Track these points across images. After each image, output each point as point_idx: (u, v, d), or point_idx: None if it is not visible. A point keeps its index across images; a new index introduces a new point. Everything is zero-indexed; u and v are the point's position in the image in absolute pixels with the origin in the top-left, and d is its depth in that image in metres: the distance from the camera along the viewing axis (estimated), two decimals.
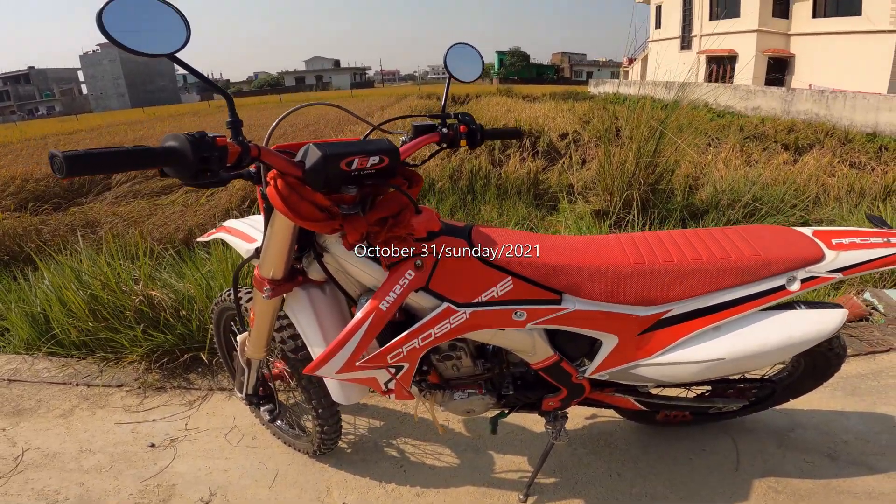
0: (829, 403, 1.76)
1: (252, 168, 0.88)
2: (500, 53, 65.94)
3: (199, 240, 1.61)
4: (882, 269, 1.05)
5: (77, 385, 2.01)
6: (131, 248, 2.56)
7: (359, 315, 1.00)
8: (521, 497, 1.38)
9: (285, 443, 1.62)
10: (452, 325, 1.02)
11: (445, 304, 1.00)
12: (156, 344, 2.02)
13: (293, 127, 11.38)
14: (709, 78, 22.20)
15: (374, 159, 0.86)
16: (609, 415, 1.71)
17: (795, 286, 1.03)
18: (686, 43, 24.06)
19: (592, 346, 1.13)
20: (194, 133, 0.74)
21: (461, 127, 1.16)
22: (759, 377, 1.43)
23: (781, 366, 1.49)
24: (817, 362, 1.33)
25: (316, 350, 1.10)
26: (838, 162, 6.07)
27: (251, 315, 1.20)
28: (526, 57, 65.11)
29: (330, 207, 0.88)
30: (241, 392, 1.46)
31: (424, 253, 0.98)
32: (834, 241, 1.07)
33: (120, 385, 1.99)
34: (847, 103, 12.02)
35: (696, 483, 1.43)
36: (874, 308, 2.57)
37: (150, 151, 0.71)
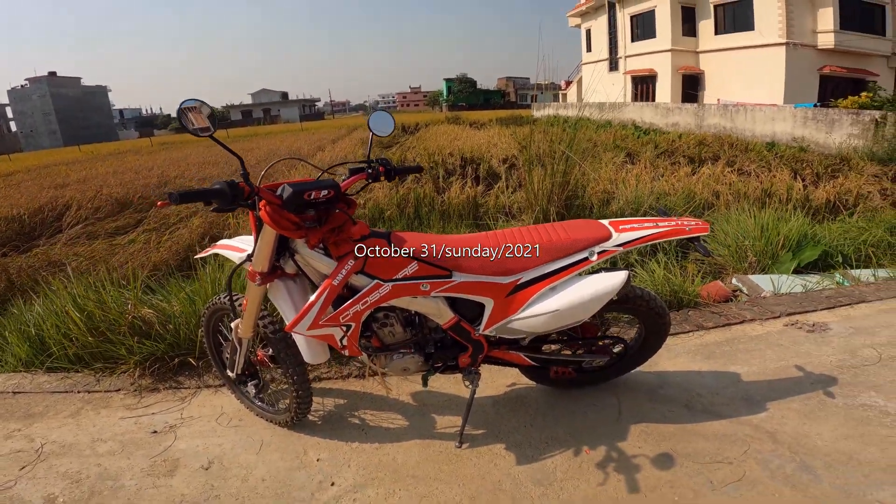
0: (690, 366, 2.28)
1: (250, 201, 1.44)
2: (447, 81, 68.14)
3: (197, 256, 2.09)
4: (650, 242, 1.65)
5: (78, 392, 2.34)
6: (115, 277, 2.94)
7: (319, 288, 1.53)
8: (457, 444, 1.82)
9: (267, 419, 2.03)
10: (381, 294, 1.55)
11: (375, 281, 1.54)
12: (149, 352, 2.40)
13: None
14: (635, 97, 24.02)
15: (324, 192, 1.44)
16: (524, 383, 2.19)
17: (594, 257, 1.60)
18: (613, 64, 25.77)
19: (480, 310, 1.68)
20: (229, 181, 1.35)
21: (380, 167, 1.74)
22: (614, 335, 1.99)
23: (634, 331, 2.05)
24: (649, 321, 1.87)
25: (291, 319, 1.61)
26: (729, 171, 7.09)
27: (244, 303, 1.70)
28: (473, 83, 67.54)
29: (298, 222, 1.45)
30: (233, 371, 1.92)
31: (360, 249, 1.54)
32: (620, 227, 1.65)
33: (118, 389, 2.34)
34: (748, 116, 13.55)
35: (589, 429, 1.89)
36: (739, 290, 3.26)
37: (211, 190, 1.32)
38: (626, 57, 24.29)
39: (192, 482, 1.75)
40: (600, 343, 1.93)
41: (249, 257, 1.61)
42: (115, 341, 2.43)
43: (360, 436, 1.95)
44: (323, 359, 1.74)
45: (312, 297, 1.54)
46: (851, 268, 3.60)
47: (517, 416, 2.01)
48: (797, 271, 3.53)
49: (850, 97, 12.54)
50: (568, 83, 32.18)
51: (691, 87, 21.60)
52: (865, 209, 5.50)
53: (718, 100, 17.96)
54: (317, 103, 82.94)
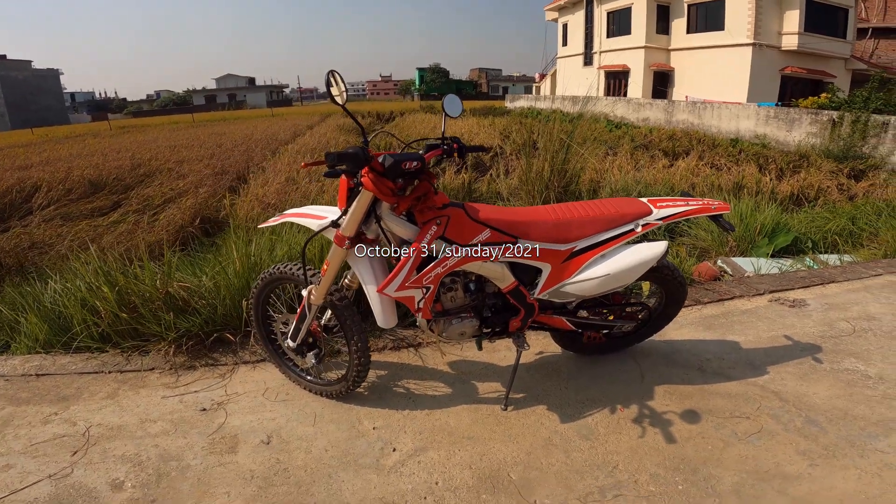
0: (694, 335, 2.54)
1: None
2: (420, 70, 67.58)
3: (261, 226, 2.15)
4: (685, 218, 1.90)
5: (109, 373, 2.29)
6: (139, 253, 2.91)
7: (409, 252, 1.66)
8: (503, 407, 1.97)
9: (317, 392, 2.05)
10: (458, 258, 1.69)
11: (454, 246, 1.68)
12: (185, 328, 2.40)
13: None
14: (607, 92, 24.62)
15: (414, 163, 1.59)
16: (552, 350, 2.38)
17: (639, 229, 1.81)
18: (588, 59, 26.18)
19: (536, 276, 1.86)
20: (360, 147, 1.53)
21: (454, 144, 1.84)
22: (639, 301, 2.24)
23: (653, 298, 2.30)
24: (671, 289, 2.11)
25: (370, 288, 1.76)
26: (703, 165, 7.53)
27: (324, 268, 1.80)
28: (446, 73, 67.25)
29: (393, 188, 1.60)
30: (294, 341, 1.99)
31: (442, 216, 1.68)
32: (658, 204, 1.90)
33: (151, 369, 2.32)
34: (714, 113, 14.25)
35: (618, 390, 2.08)
36: (724, 272, 3.57)
37: (350, 153, 1.51)
38: (600, 52, 24.75)
39: (256, 457, 1.77)
40: (628, 310, 2.15)
41: (333, 224, 1.74)
42: (149, 318, 2.42)
43: (409, 404, 2.05)
44: (393, 323, 1.85)
45: (402, 260, 1.68)
46: (820, 253, 4.00)
47: (551, 381, 2.20)
48: (772, 256, 3.89)
49: (809, 97, 13.36)
50: (542, 76, 32.58)
51: (661, 83, 22.31)
52: (826, 202, 6.01)
53: (686, 97, 18.66)
54: (285, 90, 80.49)
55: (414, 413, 2.00)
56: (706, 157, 8.95)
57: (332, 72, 1.55)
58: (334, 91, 1.56)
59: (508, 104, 29.73)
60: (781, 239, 3.89)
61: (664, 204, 1.90)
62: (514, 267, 1.84)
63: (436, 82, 64.47)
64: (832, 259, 3.74)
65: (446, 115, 1.91)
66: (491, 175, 6.39)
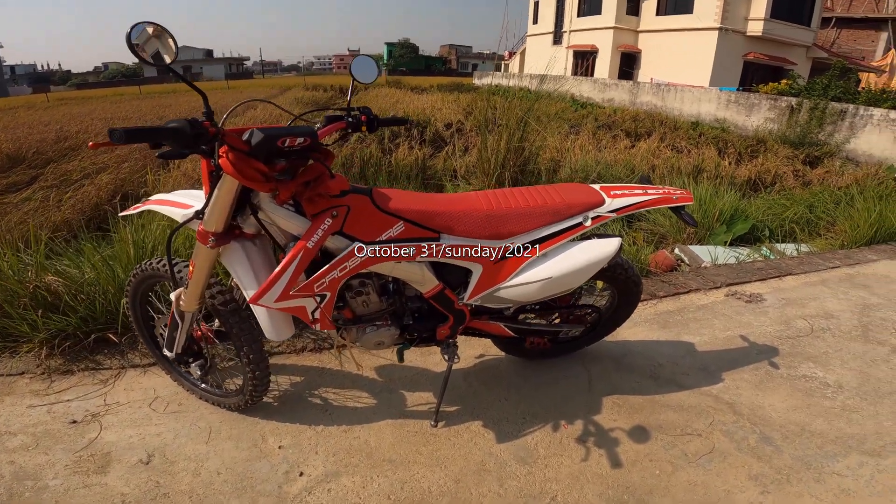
0: (648, 335, 2.35)
1: (210, 147, 1.20)
2: (389, 45, 65.58)
3: (122, 213, 1.75)
4: (640, 209, 1.62)
5: None
6: (11, 239, 2.47)
7: (291, 252, 1.32)
8: (432, 423, 1.71)
9: (214, 403, 1.80)
10: (361, 259, 1.37)
11: (357, 244, 1.36)
12: (57, 328, 2.04)
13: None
14: (575, 71, 24.47)
15: (300, 139, 1.21)
16: (493, 353, 2.13)
17: (588, 222, 1.52)
18: (558, 38, 25.93)
19: (466, 278, 1.54)
20: (189, 119, 1.11)
21: (362, 116, 1.51)
22: (589, 304, 1.97)
23: (604, 298, 2.05)
24: (624, 290, 1.85)
25: (250, 292, 1.39)
26: (664, 147, 7.42)
27: (190, 269, 1.44)
28: (415, 49, 65.61)
29: (267, 173, 1.21)
30: (171, 350, 1.65)
31: (339, 206, 1.34)
32: (612, 193, 1.59)
33: (21, 373, 1.98)
34: (677, 95, 14.28)
35: (563, 402, 1.87)
36: (681, 261, 3.39)
37: (165, 129, 1.09)
38: (570, 31, 24.49)
39: (131, 479, 1.52)
40: (576, 312, 1.89)
41: (198, 214, 1.35)
42: (15, 316, 2.04)
43: (325, 418, 1.79)
44: (287, 335, 1.54)
45: (282, 263, 1.33)
46: (777, 241, 3.90)
47: (491, 391, 1.94)
48: (729, 244, 3.76)
49: (770, 83, 13.54)
50: (511, 54, 32.05)
51: (628, 65, 22.33)
52: (782, 187, 6.00)
53: (651, 79, 18.70)
54: (245, 62, 76.68)
55: (329, 429, 1.73)
56: (667, 139, 8.86)
57: (140, 24, 1.11)
58: (145, 47, 1.13)
59: (476, 81, 29.18)
60: (739, 226, 3.76)
61: (619, 192, 1.61)
62: (439, 267, 1.53)
63: (404, 58, 62.84)
64: (789, 249, 3.64)
65: (355, 80, 1.55)
66: (447, 152, 6.03)
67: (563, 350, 2.10)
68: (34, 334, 2.03)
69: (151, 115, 13.06)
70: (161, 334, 1.74)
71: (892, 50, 18.59)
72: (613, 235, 1.61)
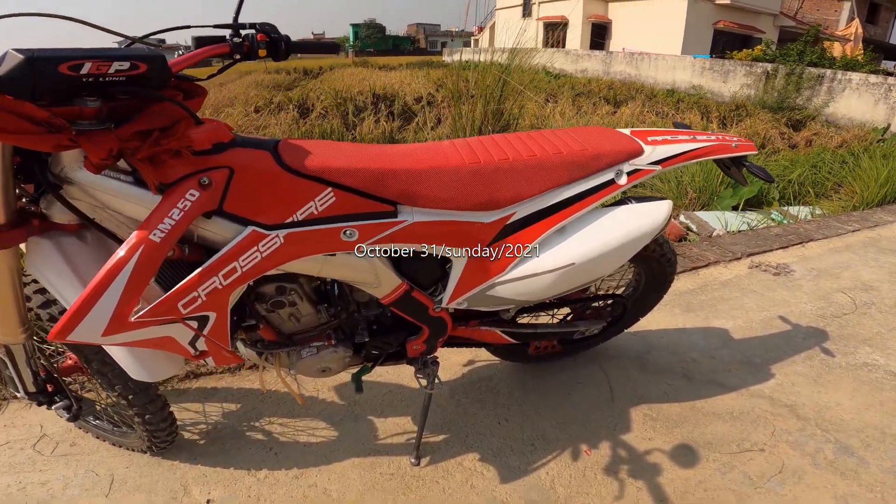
0: (671, 322, 1.93)
1: None
2: (354, 26, 63.11)
3: None
4: (692, 160, 1.16)
5: None
6: None
7: (120, 252, 0.76)
8: (413, 460, 1.28)
9: (113, 444, 1.35)
10: (264, 254, 0.84)
11: (250, 228, 0.83)
12: None
13: None
14: (546, 43, 24.01)
15: (120, 65, 0.67)
16: (485, 358, 1.69)
17: (623, 179, 1.07)
18: (527, 10, 25.48)
19: (444, 269, 1.07)
20: None
21: (259, 35, 0.95)
22: (610, 293, 1.53)
23: (627, 282, 1.61)
24: (655, 271, 1.41)
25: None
26: (647, 112, 7.06)
27: None
28: (382, 29, 63.44)
29: (48, 119, 0.66)
30: (18, 392, 1.13)
31: (212, 168, 0.79)
32: (649, 139, 1.14)
33: None
34: (651, 64, 13.99)
35: (580, 419, 1.45)
36: (689, 229, 3.02)
37: None
38: (539, 3, 24.00)
39: None
40: (594, 305, 1.44)
41: None
42: None
43: (270, 459, 1.33)
44: (169, 372, 1.02)
45: (102, 271, 0.77)
46: (786, 205, 3.58)
47: (486, 410, 1.49)
48: (734, 208, 3.42)
49: (744, 50, 13.36)
50: (480, 28, 31.31)
51: (599, 35, 22.03)
52: (773, 149, 5.72)
53: (623, 48, 18.43)
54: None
55: (276, 475, 1.28)
56: (647, 105, 8.55)
57: None
58: None
59: (446, 58, 28.35)
60: (747, 189, 3.41)
61: (659, 138, 1.14)
62: (401, 261, 1.03)
63: (371, 38, 60.74)
64: (803, 212, 3.33)
65: None
66: (418, 124, 5.50)
67: (575, 350, 1.66)
68: None
69: None
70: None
71: (856, 19, 18.72)
72: (660, 197, 1.16)
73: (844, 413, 1.49)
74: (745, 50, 13.38)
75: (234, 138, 0.84)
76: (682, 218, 3.16)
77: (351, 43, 62.20)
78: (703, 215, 3.13)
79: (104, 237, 0.85)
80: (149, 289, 0.82)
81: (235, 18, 0.96)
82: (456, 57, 26.53)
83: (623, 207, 1.11)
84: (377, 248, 0.94)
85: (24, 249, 0.87)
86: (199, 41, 0.93)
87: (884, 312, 2.03)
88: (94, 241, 0.88)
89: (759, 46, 13.50)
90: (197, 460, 1.32)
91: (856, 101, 8.89)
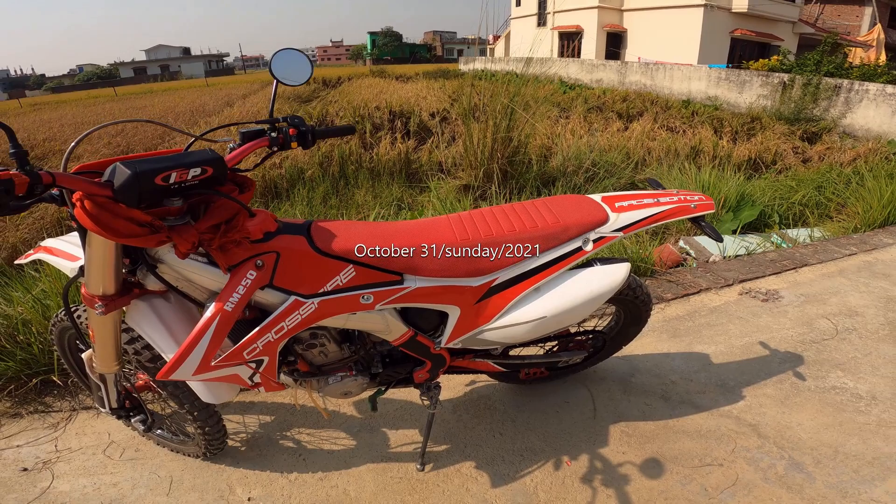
0: (657, 346, 2.10)
1: (55, 191, 0.86)
2: (372, 34, 64.24)
3: (17, 262, 1.45)
4: (653, 224, 1.34)
5: None
6: None
7: (205, 318, 1.03)
8: (419, 466, 1.51)
9: (172, 450, 1.59)
10: (303, 316, 1.09)
11: (293, 298, 1.07)
12: None
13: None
14: (561, 53, 24.05)
15: (195, 171, 0.89)
16: (484, 380, 1.90)
17: (589, 246, 1.25)
18: (542, 20, 25.50)
19: (442, 318, 1.28)
20: None
21: (291, 130, 1.18)
22: (590, 329, 1.72)
23: (608, 318, 1.81)
24: (631, 310, 1.60)
25: (171, 356, 1.11)
26: (658, 128, 7.15)
27: (91, 333, 1.15)
28: (398, 37, 64.37)
29: (151, 222, 0.89)
30: (103, 407, 1.40)
31: (264, 253, 1.05)
32: (616, 205, 1.31)
33: None
34: (666, 74, 13.97)
35: (564, 433, 1.65)
36: (687, 254, 3.16)
37: None
38: (554, 13, 24.04)
39: None
40: (576, 339, 1.65)
41: (83, 271, 1.04)
42: None
43: (298, 463, 1.56)
44: (230, 396, 1.28)
45: (194, 332, 1.04)
46: (787, 227, 3.67)
47: (483, 424, 1.71)
48: (735, 232, 3.53)
49: (760, 60, 13.26)
50: (496, 38, 31.54)
51: (614, 44, 21.93)
52: (784, 166, 5.77)
53: (639, 58, 18.38)
54: (225, 58, 75.04)
55: (304, 477, 1.52)
56: (660, 119, 8.60)
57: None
58: None
59: (462, 67, 28.70)
60: (747, 213, 3.53)
61: (625, 203, 1.33)
62: (407, 311, 1.26)
63: (388, 46, 61.72)
64: (802, 235, 3.41)
65: (279, 81, 1.23)
66: (433, 144, 5.74)
67: (562, 375, 1.86)
68: None
69: (124, 117, 12.58)
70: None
71: (878, 24, 18.33)
72: (620, 259, 1.34)
73: (803, 432, 1.65)
74: (761, 60, 13.28)
75: (279, 226, 1.08)
76: (681, 243, 3.28)
77: (368, 51, 63.30)
78: (702, 240, 3.24)
79: (183, 299, 1.11)
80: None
81: (271, 114, 1.23)
82: (471, 66, 26.87)
83: (588, 270, 1.29)
84: (387, 307, 1.18)
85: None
86: (244, 136, 1.17)
87: (863, 338, 2.16)
88: (175, 302, 1.15)
89: (775, 56, 13.37)
90: (239, 464, 1.56)
91: (873, 112, 8.80)
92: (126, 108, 15.99)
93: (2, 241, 4.17)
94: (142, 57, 68.40)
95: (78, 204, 0.85)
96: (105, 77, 60.37)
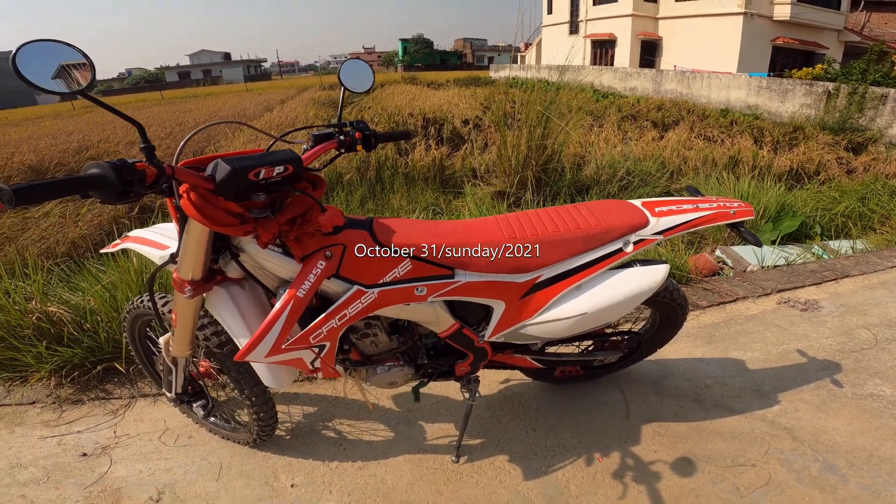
0: (691, 352, 2.11)
1: (163, 186, 0.96)
2: (403, 41, 65.34)
3: (103, 251, 1.62)
4: (692, 229, 1.40)
5: None
6: (15, 265, 2.42)
7: (279, 303, 1.14)
8: (454, 458, 1.57)
9: (223, 437, 1.70)
10: (364, 304, 1.19)
11: (356, 287, 1.17)
12: (63, 359, 1.97)
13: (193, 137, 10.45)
14: (594, 61, 23.86)
15: (279, 168, 1.00)
16: (519, 378, 1.95)
17: (629, 248, 1.31)
18: (574, 28, 25.31)
19: (487, 313, 1.35)
20: (115, 161, 0.85)
21: (356, 133, 1.30)
22: (626, 330, 1.77)
23: (644, 321, 1.85)
24: (667, 313, 1.64)
25: (242, 341, 1.22)
26: (695, 137, 7.05)
27: (173, 316, 1.27)
28: (429, 44, 65.20)
29: (242, 213, 1.01)
30: (170, 392, 1.54)
31: (332, 245, 1.16)
32: (656, 210, 1.37)
33: (32, 402, 1.92)
34: (704, 82, 13.69)
35: (597, 432, 1.69)
36: (724, 263, 3.14)
37: (79, 180, 0.81)
38: (586, 20, 23.91)
39: None
40: (612, 339, 1.70)
41: (174, 258, 1.16)
42: (21, 348, 1.98)
43: (339, 453, 1.65)
44: (289, 381, 1.39)
45: (270, 316, 1.16)
46: (828, 239, 3.59)
47: (517, 420, 1.77)
48: (774, 242, 3.48)
49: (804, 69, 12.87)
50: (527, 45, 31.54)
51: (649, 52, 21.63)
52: (827, 177, 5.61)
53: (675, 66, 18.06)
54: (263, 64, 77.87)
55: (344, 466, 1.60)
56: (697, 128, 8.44)
57: (20, 51, 0.84)
58: (47, 74, 0.88)
59: (493, 74, 28.80)
60: (787, 224, 3.47)
61: (665, 209, 1.39)
62: (454, 304, 1.35)
63: (419, 53, 62.58)
64: (844, 247, 3.32)
65: (346, 89, 1.35)
66: (466, 150, 5.85)
67: (596, 375, 1.90)
68: (40, 365, 1.97)
69: (171, 120, 13.13)
70: (162, 371, 1.63)
71: None
72: (659, 261, 1.39)
73: (839, 437, 1.64)
74: (804, 68, 12.87)
75: (345, 221, 1.20)
76: (717, 252, 3.26)
77: (400, 58, 64.38)
78: (739, 250, 3.21)
79: (255, 288, 1.24)
80: None
81: (339, 118, 1.35)
82: (502, 73, 26.93)
83: (628, 270, 1.35)
84: (438, 300, 1.27)
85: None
86: (316, 139, 1.29)
87: None
88: (249, 290, 1.27)
89: (819, 65, 12.94)
90: (284, 452, 1.65)
91: None
92: (173, 111, 16.59)
93: (62, 236, 4.49)
94: (186, 61, 71.38)
95: (185, 195, 0.98)
96: (152, 81, 63.28)
